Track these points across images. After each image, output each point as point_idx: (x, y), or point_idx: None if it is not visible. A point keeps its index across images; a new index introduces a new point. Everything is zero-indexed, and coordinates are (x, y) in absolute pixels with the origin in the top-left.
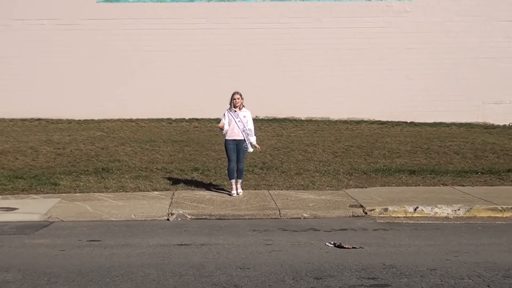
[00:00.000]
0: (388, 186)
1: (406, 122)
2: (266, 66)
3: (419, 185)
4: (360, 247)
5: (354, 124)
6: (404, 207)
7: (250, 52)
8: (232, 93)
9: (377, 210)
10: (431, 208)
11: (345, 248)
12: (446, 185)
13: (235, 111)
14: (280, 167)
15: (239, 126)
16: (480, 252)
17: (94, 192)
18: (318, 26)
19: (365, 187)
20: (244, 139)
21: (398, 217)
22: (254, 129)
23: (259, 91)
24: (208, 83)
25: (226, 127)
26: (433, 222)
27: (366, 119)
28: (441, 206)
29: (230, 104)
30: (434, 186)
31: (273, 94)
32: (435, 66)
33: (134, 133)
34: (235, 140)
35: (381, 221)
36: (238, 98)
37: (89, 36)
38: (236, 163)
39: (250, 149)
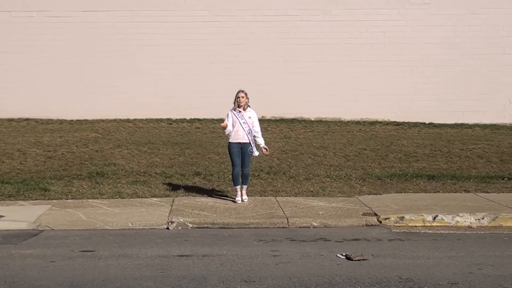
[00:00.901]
0: (404, 192)
1: (424, 123)
2: (273, 62)
3: (439, 192)
4: (366, 259)
5: (368, 125)
6: (422, 215)
7: (256, 47)
8: (236, 92)
9: (392, 218)
10: (452, 216)
11: (354, 260)
12: (469, 191)
13: (240, 111)
14: (288, 172)
15: (244, 128)
16: (507, 264)
17: (88, 199)
18: (329, 19)
19: (380, 194)
20: (250, 142)
21: (415, 226)
22: (261, 131)
23: (265, 89)
24: (211, 80)
25: (229, 128)
26: (454, 232)
27: (381, 120)
28: (463, 215)
29: (234, 103)
30: (455, 192)
31: (280, 92)
32: (456, 63)
33: (131, 134)
34: (239, 143)
35: (397, 230)
36: (242, 97)
37: (82, 29)
38: (241, 167)
39: (256, 153)
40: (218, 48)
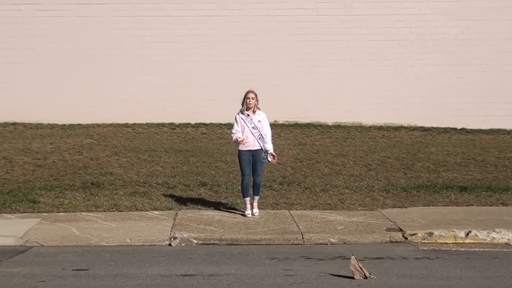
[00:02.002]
0: (433, 206)
1: (455, 129)
2: (287, 60)
3: (472, 205)
4: (370, 276)
5: (392, 130)
6: (454, 231)
7: (268, 44)
8: (245, 92)
9: (419, 234)
10: (487, 232)
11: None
12: (507, 204)
13: (248, 114)
14: (303, 183)
15: (254, 134)
16: None
17: (81, 212)
18: (349, 13)
19: (405, 207)
20: (262, 148)
21: (446, 243)
22: (272, 134)
23: (278, 90)
24: (218, 81)
25: (240, 135)
26: (490, 249)
27: (406, 125)
28: (500, 231)
29: (243, 105)
30: (491, 206)
31: (294, 94)
32: (493, 61)
33: (130, 140)
34: (250, 150)
35: (425, 248)
36: (253, 98)
37: (76, 25)
38: (252, 176)
39: (268, 160)
40: (226, 45)
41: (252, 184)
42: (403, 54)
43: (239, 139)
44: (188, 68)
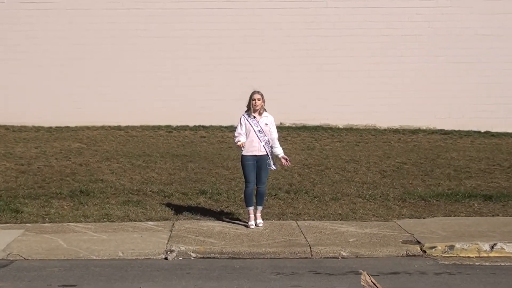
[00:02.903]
0: (454, 216)
1: (479, 132)
2: (295, 58)
3: (498, 215)
4: None
5: (409, 134)
6: (477, 244)
7: (274, 39)
8: (251, 93)
9: (439, 247)
10: None
11: None
12: None
13: (254, 117)
14: (311, 191)
15: (259, 138)
16: None
17: (69, 222)
18: (361, 5)
19: (424, 218)
20: (267, 154)
21: (468, 257)
22: (278, 139)
23: (285, 90)
24: (220, 79)
25: (242, 139)
26: None
27: (425, 128)
28: None
29: (248, 107)
30: None
31: (302, 94)
32: None
33: (123, 144)
34: (255, 155)
35: (446, 262)
36: (258, 99)
37: (64, 18)
38: (256, 184)
39: (274, 167)
40: (228, 40)
41: (256, 193)
42: (421, 51)
43: (239, 143)
44: (187, 66)
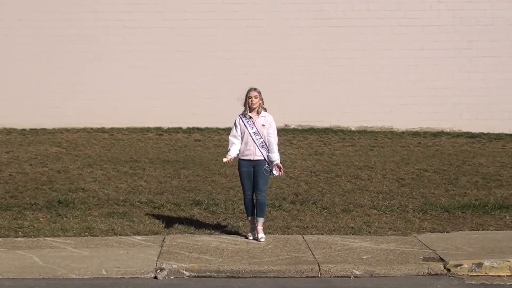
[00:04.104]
0: (482, 230)
1: (511, 135)
2: (301, 51)
3: None
4: None
5: (430, 137)
6: (509, 261)
7: (277, 31)
8: (247, 91)
9: (466, 265)
10: None
11: None
12: None
13: (250, 117)
14: (319, 201)
15: (255, 140)
16: None
17: (46, 237)
18: None
19: (447, 232)
20: (265, 159)
21: (499, 276)
22: (279, 143)
23: (290, 88)
24: (216, 76)
25: (232, 152)
26: None
27: (448, 130)
28: None
29: (245, 105)
30: None
31: (310, 92)
32: None
33: (107, 149)
34: (250, 160)
35: (473, 282)
36: (255, 97)
37: (40, 6)
38: (254, 192)
39: (275, 173)
40: (226, 32)
41: (255, 201)
42: (444, 43)
43: (224, 160)
44: (180, 61)
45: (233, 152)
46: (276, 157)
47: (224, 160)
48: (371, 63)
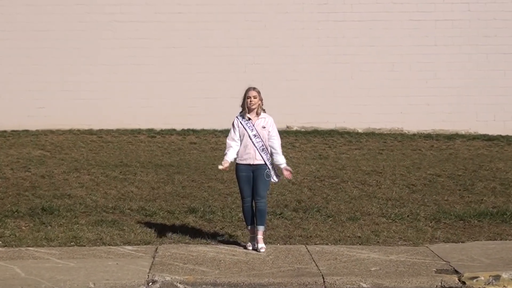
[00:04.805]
0: (500, 239)
1: None
2: (304, 47)
3: None
4: None
5: (444, 140)
6: None
7: (278, 25)
8: (245, 90)
9: (482, 278)
10: None
11: None
12: None
13: (249, 118)
14: (324, 209)
15: (255, 143)
16: None
17: (28, 246)
18: None
19: (462, 242)
20: (265, 163)
21: None
22: (282, 145)
23: (292, 87)
24: (213, 73)
25: (229, 156)
26: None
27: (464, 132)
28: None
29: (243, 106)
30: None
31: (314, 91)
32: None
33: (95, 152)
34: (249, 165)
35: None
36: (255, 97)
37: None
38: (254, 198)
39: (275, 179)
40: (223, 26)
41: (255, 209)
42: (458, 39)
43: (220, 167)
44: (173, 57)
45: (230, 156)
46: (282, 160)
47: (220, 167)
48: (380, 60)
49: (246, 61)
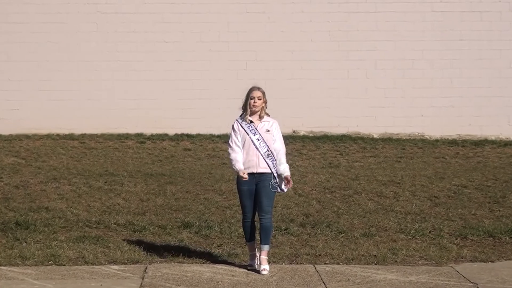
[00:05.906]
0: None
1: None
2: (313, 43)
3: None
4: None
5: (471, 146)
6: None
7: (283, 17)
8: (248, 90)
9: None
10: None
11: None
12: None
13: (251, 121)
14: (335, 224)
15: (259, 149)
16: None
17: (1, 265)
18: None
19: (492, 261)
20: (271, 172)
21: None
22: (287, 152)
23: (299, 87)
24: (210, 72)
25: (242, 165)
26: None
27: (493, 138)
28: None
29: (244, 107)
30: None
31: (323, 92)
32: None
33: (77, 160)
34: (252, 174)
35: None
36: (259, 98)
37: None
38: (258, 214)
39: (283, 189)
40: (221, 18)
41: (259, 226)
42: (488, 33)
43: (241, 173)
44: (165, 52)
45: (241, 164)
46: (285, 168)
47: (245, 176)
48: (398, 57)
49: (247, 57)
